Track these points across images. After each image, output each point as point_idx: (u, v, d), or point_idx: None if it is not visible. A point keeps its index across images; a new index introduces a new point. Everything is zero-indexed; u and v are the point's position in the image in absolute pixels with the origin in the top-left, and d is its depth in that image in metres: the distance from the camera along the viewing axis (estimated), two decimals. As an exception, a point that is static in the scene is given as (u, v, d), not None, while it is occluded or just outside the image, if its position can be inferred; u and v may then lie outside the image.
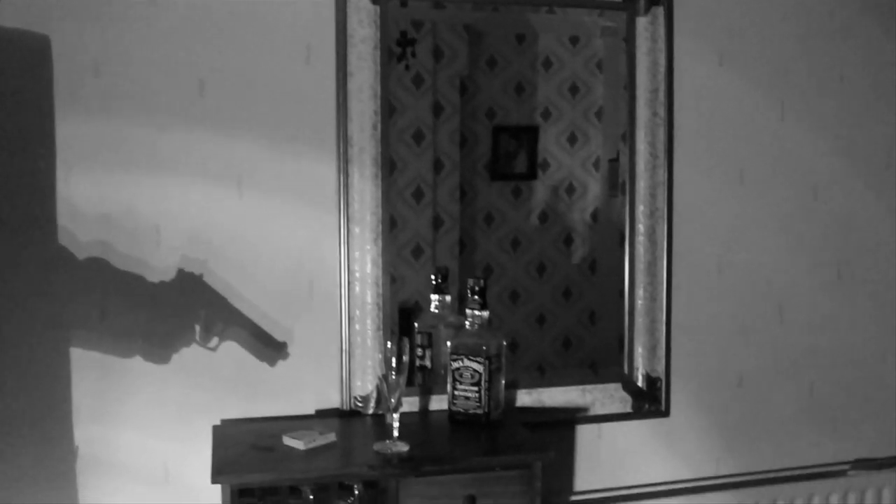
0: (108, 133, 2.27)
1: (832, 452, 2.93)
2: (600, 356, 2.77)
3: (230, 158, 2.35)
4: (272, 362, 2.42)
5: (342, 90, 2.39)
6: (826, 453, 2.93)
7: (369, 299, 2.43)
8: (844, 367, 2.93)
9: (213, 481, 1.99)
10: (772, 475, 2.85)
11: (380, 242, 2.42)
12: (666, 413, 2.71)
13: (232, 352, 2.38)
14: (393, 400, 2.18)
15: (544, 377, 2.69)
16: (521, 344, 2.72)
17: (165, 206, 2.32)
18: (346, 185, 2.40)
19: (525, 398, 2.58)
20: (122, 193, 2.29)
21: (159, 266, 2.33)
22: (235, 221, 2.37)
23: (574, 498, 2.64)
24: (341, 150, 2.40)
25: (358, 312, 2.43)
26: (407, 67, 2.57)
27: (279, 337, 2.41)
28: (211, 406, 2.38)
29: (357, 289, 2.42)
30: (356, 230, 2.41)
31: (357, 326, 2.43)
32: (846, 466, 2.93)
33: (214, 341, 2.37)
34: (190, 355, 2.36)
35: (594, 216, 2.81)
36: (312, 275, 2.43)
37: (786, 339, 2.85)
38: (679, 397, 2.73)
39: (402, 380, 2.19)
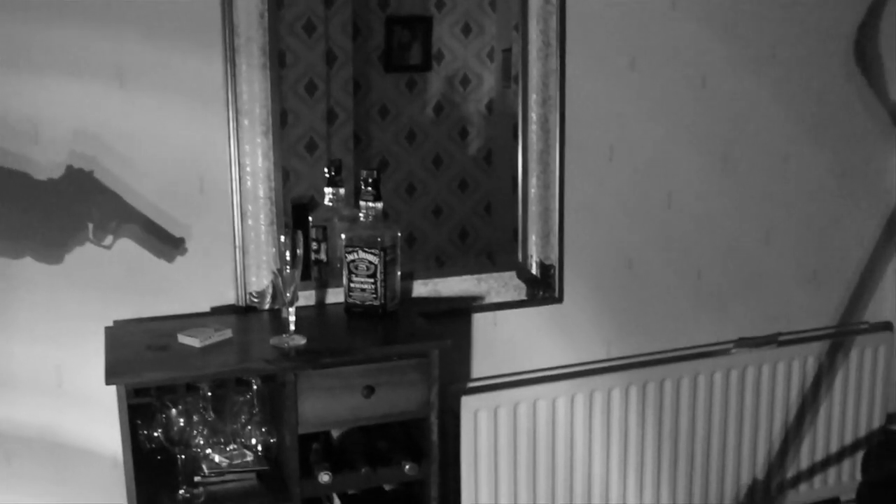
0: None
1: (716, 333, 3.06)
2: (497, 247, 2.81)
3: (109, 52, 2.24)
4: (170, 258, 2.37)
5: (225, -24, 2.30)
6: (711, 334, 3.05)
7: (262, 194, 2.39)
8: (729, 251, 3.03)
9: (108, 382, 1.95)
10: (660, 356, 2.96)
11: (270, 135, 2.37)
12: (559, 299, 2.78)
13: (127, 250, 2.33)
14: (288, 294, 2.17)
15: (441, 268, 2.72)
16: (419, 237, 2.74)
17: (45, 102, 2.21)
18: (234, 77, 2.32)
19: (421, 289, 2.60)
20: (-1, 91, 2.18)
21: (45, 163, 2.23)
22: (121, 117, 2.27)
23: (471, 384, 2.70)
24: (227, 40, 2.31)
25: (251, 207, 2.39)
26: (294, -46, 2.49)
27: (176, 233, 2.36)
28: (106, 307, 2.32)
29: (249, 183, 2.38)
30: (245, 122, 2.35)
31: (250, 222, 2.40)
32: (729, 346, 3.06)
33: (109, 239, 2.31)
34: (84, 255, 2.29)
35: (489, 107, 2.80)
36: (203, 169, 2.37)
37: (674, 224, 2.93)
38: (572, 284, 2.79)
39: (297, 273, 2.18)
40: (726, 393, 2.97)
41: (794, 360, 3.08)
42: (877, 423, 3.26)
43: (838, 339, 3.16)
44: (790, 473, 3.15)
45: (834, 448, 3.21)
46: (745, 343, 3.08)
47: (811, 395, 3.13)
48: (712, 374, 2.94)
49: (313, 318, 2.40)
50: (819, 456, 3.19)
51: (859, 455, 3.26)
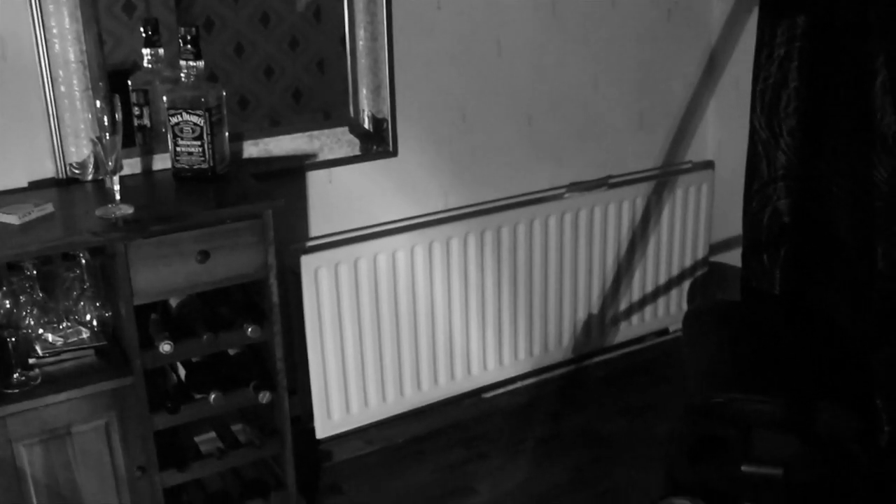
0: None
1: (550, 179, 3.14)
2: (332, 105, 2.75)
3: None
4: None
5: None
6: (544, 180, 3.13)
7: (72, 58, 2.24)
8: (559, 98, 3.08)
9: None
10: (496, 204, 3.02)
11: (76, -7, 2.21)
12: (394, 153, 2.77)
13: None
14: (111, 163, 2.08)
15: (271, 128, 2.65)
16: (251, 100, 2.65)
17: None
18: (29, -73, 2.14)
19: (252, 149, 2.54)
20: None
21: None
22: None
23: (310, 243, 2.69)
24: None
25: (61, 73, 2.24)
26: None
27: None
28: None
29: (57, 47, 2.22)
30: (45, -21, 2.18)
31: (62, 88, 2.25)
32: (562, 190, 3.15)
33: None
34: None
35: (313, -41, 2.70)
36: (2, 32, 2.19)
37: (504, 72, 2.94)
38: (406, 136, 2.79)
39: (118, 140, 2.08)
40: (561, 236, 3.07)
41: (624, 201, 3.20)
42: (701, 254, 3.46)
43: (664, 178, 3.30)
44: (623, 306, 3.32)
45: (662, 280, 3.40)
46: (577, 187, 3.17)
47: (640, 233, 3.28)
48: (547, 218, 3.03)
49: (140, 186, 2.32)
50: (649, 288, 3.38)
51: (686, 286, 3.46)
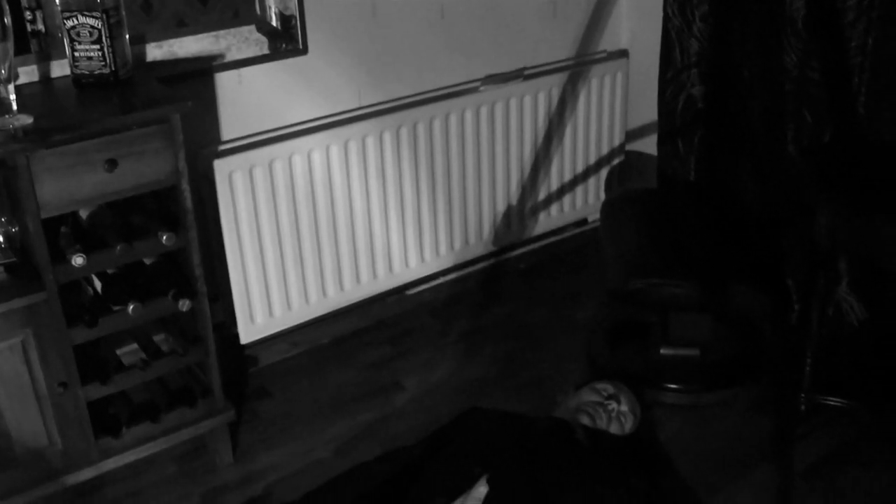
0: None
1: (464, 72, 3.10)
2: (240, 3, 2.64)
3: None
4: None
5: None
6: (458, 74, 3.08)
7: (-46, -42, 2.11)
8: (471, -12, 3.02)
9: None
10: (411, 100, 2.98)
11: None
12: (304, 51, 2.69)
13: None
14: (4, 71, 1.98)
15: (176, 29, 2.54)
16: (154, 3, 2.51)
17: None
18: None
19: (156, 52, 2.44)
20: None
21: None
22: None
23: (222, 147, 2.62)
24: None
25: (-57, -25, 2.11)
26: None
27: None
28: None
29: (-65, -53, 2.08)
30: None
31: (-55, -8, 2.12)
32: (477, 83, 3.12)
33: None
34: None
35: None
36: None
37: (413, -37, 2.87)
38: (315, 34, 2.70)
39: (10, 46, 1.97)
40: (477, 129, 3.05)
41: (540, 92, 3.19)
42: (617, 142, 3.48)
43: (578, 68, 3.28)
44: (541, 197, 3.35)
45: (580, 169, 3.42)
46: (492, 80, 3.14)
47: (556, 124, 3.27)
48: (463, 112, 3.00)
49: (39, 95, 2.21)
50: (567, 178, 3.40)
51: (603, 175, 3.50)
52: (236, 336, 2.78)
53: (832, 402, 2.63)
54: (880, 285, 2.73)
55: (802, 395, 2.59)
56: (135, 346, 2.39)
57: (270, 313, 2.81)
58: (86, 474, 2.29)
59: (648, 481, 2.36)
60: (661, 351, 2.86)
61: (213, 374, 2.40)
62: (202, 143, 2.58)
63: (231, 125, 2.66)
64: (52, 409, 2.18)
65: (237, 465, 2.55)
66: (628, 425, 2.43)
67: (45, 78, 2.29)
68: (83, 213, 2.24)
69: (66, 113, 2.13)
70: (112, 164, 2.04)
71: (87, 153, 2.02)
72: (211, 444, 2.53)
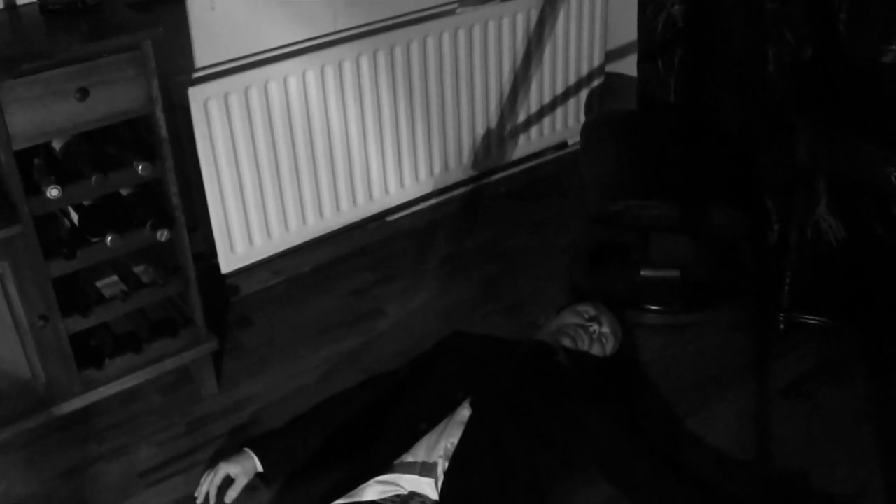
0: None
1: (442, -7, 3.05)
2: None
3: None
4: None
5: None
6: (436, -5, 3.04)
7: None
8: None
9: None
10: (387, 23, 2.92)
11: None
12: (277, -27, 2.64)
13: None
14: (-32, -3, 1.93)
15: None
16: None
17: None
18: None
19: (124, -23, 2.38)
20: None
21: None
22: None
23: (197, 75, 2.58)
24: None
25: None
26: None
27: None
28: None
29: None
30: None
31: None
32: (454, 5, 3.06)
33: None
34: None
35: None
36: None
37: None
38: (289, -44, 2.65)
39: (-27, -28, 1.92)
40: (455, 52, 3.01)
41: (518, 13, 3.13)
42: (597, 62, 3.44)
43: (555, -13, 3.23)
44: (521, 120, 3.32)
45: (560, 91, 3.39)
46: (469, 1, 3.08)
47: (535, 45, 3.23)
48: (440, 35, 2.95)
49: (5, 24, 2.15)
50: (547, 100, 3.37)
51: (583, 97, 3.47)
52: (217, 266, 2.77)
53: (811, 321, 2.66)
54: (859, 205, 2.73)
55: (781, 314, 2.62)
56: (115, 277, 2.38)
57: (251, 242, 2.79)
58: (71, 405, 2.30)
59: (630, 401, 2.39)
60: (642, 272, 2.88)
61: (194, 304, 2.40)
62: (176, 70, 2.54)
63: (205, 52, 2.61)
64: (33, 342, 2.18)
65: (222, 394, 2.56)
66: (609, 347, 2.45)
67: (11, 5, 2.23)
68: (57, 145, 2.20)
69: (34, 41, 2.08)
70: (83, 93, 2.00)
71: (57, 82, 1.97)
72: (195, 374, 2.54)
